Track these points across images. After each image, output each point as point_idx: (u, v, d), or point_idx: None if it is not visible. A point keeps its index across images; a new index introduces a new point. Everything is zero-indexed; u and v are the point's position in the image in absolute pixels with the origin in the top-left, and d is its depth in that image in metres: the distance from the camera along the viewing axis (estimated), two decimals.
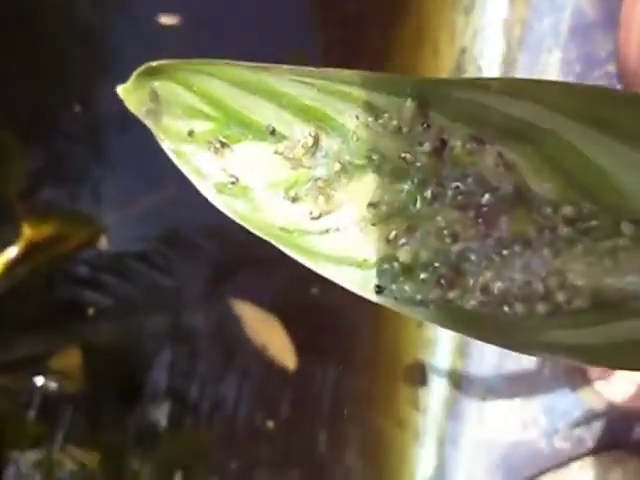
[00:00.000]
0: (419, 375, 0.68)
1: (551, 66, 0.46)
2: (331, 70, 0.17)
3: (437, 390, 0.66)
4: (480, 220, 0.18)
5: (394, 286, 0.19)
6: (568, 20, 0.43)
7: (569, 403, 0.54)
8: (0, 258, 0.63)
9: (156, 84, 0.20)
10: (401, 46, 0.64)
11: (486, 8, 0.48)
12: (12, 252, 0.63)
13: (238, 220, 0.21)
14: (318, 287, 0.67)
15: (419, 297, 0.19)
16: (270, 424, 0.68)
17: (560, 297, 0.18)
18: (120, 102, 0.21)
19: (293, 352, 0.68)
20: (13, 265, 0.63)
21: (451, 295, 0.19)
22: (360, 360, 0.72)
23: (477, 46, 0.50)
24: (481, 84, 0.16)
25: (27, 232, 0.63)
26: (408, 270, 0.19)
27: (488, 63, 0.49)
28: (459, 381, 0.62)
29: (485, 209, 0.18)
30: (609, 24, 0.42)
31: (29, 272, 0.63)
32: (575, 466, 0.56)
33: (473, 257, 0.19)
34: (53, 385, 0.68)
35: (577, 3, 0.43)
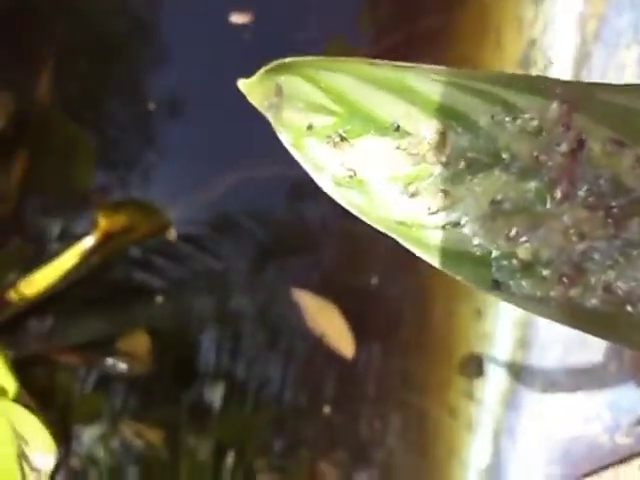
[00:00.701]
0: (475, 366, 0.68)
1: (629, 62, 0.45)
2: (474, 70, 0.17)
3: (494, 381, 0.65)
4: (610, 220, 0.18)
5: (512, 282, 0.20)
6: None
7: (634, 399, 0.53)
8: (76, 248, 0.65)
9: (282, 79, 0.21)
10: (460, 35, 0.63)
11: (558, 0, 0.47)
12: (88, 242, 0.65)
13: (355, 212, 0.21)
14: (377, 277, 0.68)
15: (539, 294, 0.19)
16: (327, 409, 0.69)
17: None
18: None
19: (351, 341, 0.69)
20: (89, 254, 0.65)
21: (572, 293, 0.19)
22: (415, 348, 0.73)
23: (547, 38, 0.49)
24: (630, 89, 0.16)
25: (102, 222, 0.65)
26: (527, 267, 0.20)
27: (559, 56, 0.48)
28: (519, 373, 0.61)
29: (616, 210, 0.18)
30: None
31: (103, 260, 0.65)
32: (636, 463, 0.56)
33: (597, 256, 0.19)
34: (122, 366, 0.71)
35: None
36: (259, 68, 0.21)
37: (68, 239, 0.67)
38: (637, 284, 0.19)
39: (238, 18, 0.59)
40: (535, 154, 0.18)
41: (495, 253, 0.20)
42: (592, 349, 0.53)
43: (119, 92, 0.71)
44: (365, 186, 0.21)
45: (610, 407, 0.54)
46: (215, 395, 0.75)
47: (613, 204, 0.18)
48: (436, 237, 0.21)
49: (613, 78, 0.42)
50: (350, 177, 0.21)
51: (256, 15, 0.60)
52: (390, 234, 0.21)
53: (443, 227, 0.20)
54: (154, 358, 0.74)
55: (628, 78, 0.43)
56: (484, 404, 0.66)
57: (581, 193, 0.18)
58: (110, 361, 0.70)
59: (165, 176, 0.71)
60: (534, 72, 0.47)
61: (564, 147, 0.17)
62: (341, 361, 0.71)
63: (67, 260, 0.66)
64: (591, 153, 0.17)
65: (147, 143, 0.72)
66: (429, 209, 0.20)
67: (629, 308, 0.19)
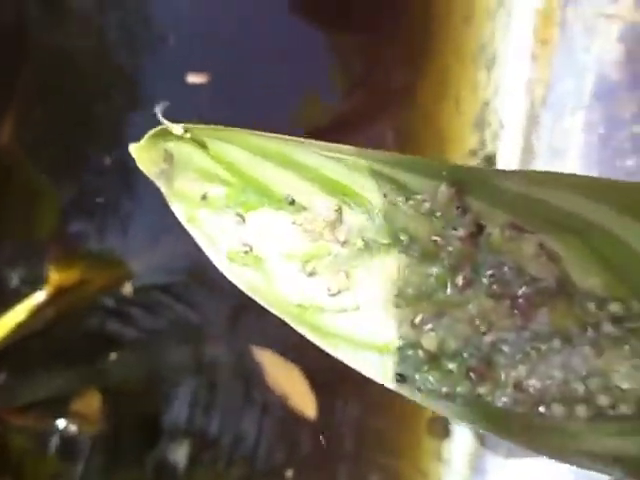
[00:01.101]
0: (442, 427, 0.65)
1: (575, 127, 0.45)
2: (363, 149, 0.16)
3: (461, 443, 0.63)
4: (516, 311, 0.16)
5: (417, 375, 0.18)
6: (591, 82, 0.42)
7: None
8: (28, 302, 0.63)
9: (171, 145, 0.19)
10: (423, 96, 0.63)
11: (508, 65, 0.47)
12: (40, 296, 0.63)
13: (249, 293, 0.19)
14: None
15: (445, 390, 0.17)
16: (289, 473, 0.66)
17: (603, 401, 0.16)
18: None
19: (313, 401, 0.66)
20: (40, 308, 0.63)
21: (481, 390, 0.17)
22: (382, 406, 0.70)
23: (499, 101, 0.49)
24: (522, 175, 0.14)
25: (54, 276, 0.63)
26: (434, 359, 0.18)
27: (510, 120, 0.48)
28: (483, 436, 0.59)
29: (522, 300, 0.16)
30: (634, 85, 0.40)
31: (55, 315, 0.63)
32: None
33: (507, 349, 0.17)
34: (73, 427, 0.67)
35: (600, 65, 0.42)
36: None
37: (23, 291, 0.65)
38: (550, 382, 0.17)
39: (195, 78, 0.59)
40: (433, 238, 0.16)
41: (399, 342, 0.18)
42: None
43: (86, 139, 0.70)
44: (262, 263, 0.19)
45: (575, 473, 0.51)
46: (181, 453, 0.71)
47: (519, 293, 0.16)
48: (335, 322, 0.19)
49: (560, 142, 0.41)
50: (245, 253, 0.19)
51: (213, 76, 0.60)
52: (284, 318, 0.19)
53: (344, 310, 0.19)
54: (114, 417, 0.71)
55: (573, 143, 0.42)
56: (452, 466, 0.63)
57: (485, 280, 0.16)
58: (61, 422, 0.67)
59: (141, 224, 0.69)
60: (488, 134, 0.47)
61: (461, 231, 0.16)
62: (304, 421, 0.68)
63: (17, 315, 0.63)
64: (491, 238, 0.16)
65: (122, 190, 0.70)
66: (329, 290, 0.19)
67: (542, 409, 0.17)
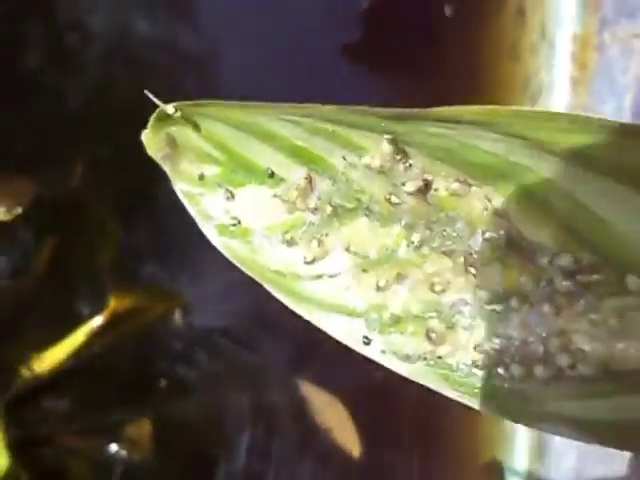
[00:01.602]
0: (496, 475, 0.62)
1: None
2: (311, 106, 0.17)
3: None
4: (470, 268, 0.17)
5: (382, 337, 0.18)
6: (630, 103, 0.41)
7: None
8: (85, 327, 0.66)
9: (173, 129, 0.21)
10: None
11: (552, 95, 0.48)
12: (97, 321, 0.67)
13: (235, 262, 0.20)
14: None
15: (407, 351, 0.18)
16: None
17: (562, 361, 0.16)
18: None
19: (357, 439, 0.65)
20: (97, 334, 0.67)
21: (442, 351, 0.17)
22: (435, 453, 0.68)
23: None
24: (452, 116, 0.15)
25: (112, 303, 0.67)
26: (398, 321, 0.18)
27: None
28: None
29: (475, 256, 0.16)
30: None
31: (112, 343, 0.66)
32: None
33: (466, 310, 0.17)
34: (123, 452, 0.70)
35: (638, 87, 0.41)
36: None
37: (83, 318, 0.69)
38: (509, 343, 0.17)
39: None
40: (387, 196, 0.17)
41: (366, 306, 0.18)
42: (611, 460, 0.47)
43: (149, 176, 0.75)
44: (249, 235, 0.21)
45: None
46: None
47: (471, 250, 0.16)
48: (311, 288, 0.19)
49: None
50: (234, 225, 0.21)
51: None
52: (264, 284, 0.20)
53: (319, 277, 0.19)
54: (169, 450, 0.72)
55: None
56: None
57: (438, 238, 0.17)
58: (113, 447, 0.69)
59: (196, 265, 0.72)
60: None
61: (410, 187, 0.16)
62: (349, 459, 0.66)
63: (76, 339, 0.67)
64: (439, 193, 0.16)
65: (187, 230, 0.74)
66: (305, 258, 0.20)
67: (501, 370, 0.17)
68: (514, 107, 0.14)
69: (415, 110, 0.15)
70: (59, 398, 0.73)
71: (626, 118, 0.42)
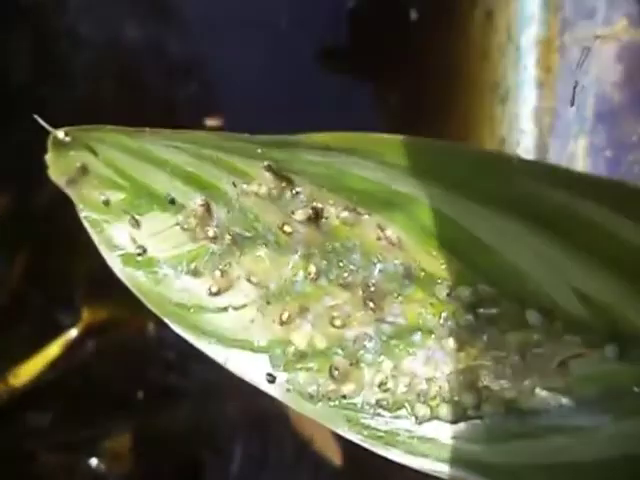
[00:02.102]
0: None
1: (580, 152, 0.43)
2: (191, 132, 0.16)
3: None
4: (369, 302, 0.15)
5: (287, 375, 0.17)
6: (592, 106, 0.40)
7: None
8: (60, 340, 0.66)
9: (72, 153, 0.20)
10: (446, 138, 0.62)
11: (518, 97, 0.46)
12: (72, 333, 0.66)
13: (138, 294, 0.19)
14: None
15: (310, 390, 0.16)
16: None
17: (467, 400, 0.15)
18: None
19: (337, 448, 0.64)
20: (73, 346, 0.66)
21: (345, 389, 0.16)
22: None
23: (513, 135, 0.48)
24: (322, 142, 0.14)
25: (86, 315, 0.66)
26: (303, 357, 0.17)
27: (525, 151, 0.47)
28: None
29: (373, 289, 0.15)
30: (637, 105, 0.38)
31: (92, 354, 0.65)
32: None
33: (370, 345, 0.16)
34: (102, 466, 0.69)
35: (600, 88, 0.40)
36: None
37: (59, 330, 0.68)
38: (414, 380, 0.15)
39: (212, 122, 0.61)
40: (279, 224, 0.16)
41: (270, 341, 0.17)
42: None
43: None
44: (154, 265, 0.19)
45: None
46: None
47: (369, 282, 0.15)
48: (216, 321, 0.18)
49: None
50: (139, 255, 0.20)
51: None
52: (164, 318, 0.19)
53: (224, 310, 0.18)
54: (151, 461, 0.71)
55: (581, 168, 0.40)
56: None
57: (336, 269, 0.15)
58: (93, 461, 0.68)
59: None
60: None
61: (300, 215, 0.15)
62: (330, 468, 0.65)
63: (51, 351, 0.66)
64: (330, 222, 0.15)
65: None
66: (209, 290, 0.18)
67: (405, 411, 0.15)
68: (375, 135, 0.13)
69: (288, 137, 0.14)
70: (40, 412, 0.72)
71: (589, 121, 0.41)
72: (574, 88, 0.41)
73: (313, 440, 0.65)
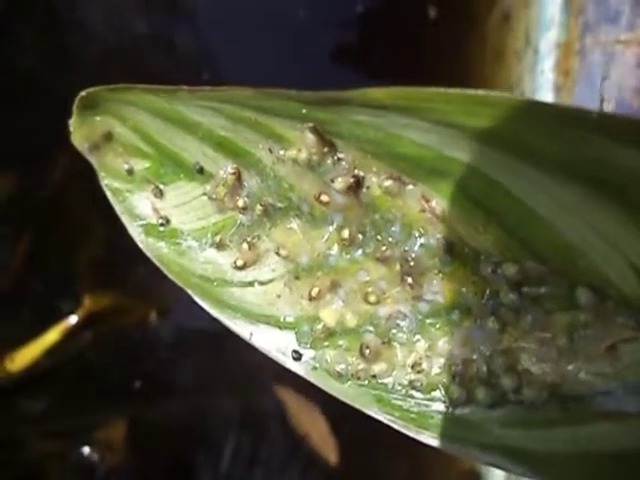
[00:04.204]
0: None
1: None
2: (228, 89, 0.15)
3: None
4: (408, 277, 0.15)
5: (314, 352, 0.16)
6: (612, 109, 0.39)
7: None
8: (60, 325, 0.65)
9: (98, 119, 0.19)
10: None
11: (535, 98, 0.46)
12: (72, 320, 0.65)
13: (159, 265, 0.19)
14: None
15: (339, 369, 0.16)
16: None
17: (506, 383, 0.14)
18: None
19: (334, 444, 0.63)
20: (72, 333, 0.65)
21: (376, 369, 0.15)
22: (416, 460, 0.66)
23: None
24: (377, 99, 0.13)
25: (87, 302, 0.65)
26: (332, 335, 0.16)
27: None
28: None
29: (412, 264, 0.14)
30: None
31: (91, 342, 0.64)
32: None
33: (404, 324, 0.15)
34: (95, 456, 0.68)
35: (621, 94, 0.39)
36: None
37: (58, 316, 0.67)
38: (450, 361, 0.15)
39: None
40: (316, 194, 0.15)
41: (297, 317, 0.17)
42: None
43: None
44: (178, 237, 0.19)
45: None
46: None
47: (409, 257, 0.14)
48: (241, 295, 0.18)
49: None
50: (162, 225, 0.19)
51: None
52: (187, 289, 0.18)
53: (250, 284, 0.18)
54: (145, 452, 0.70)
55: None
56: None
57: (373, 242, 0.15)
58: (86, 450, 0.67)
59: None
60: None
61: (340, 183, 0.14)
62: (325, 465, 0.65)
63: (49, 337, 0.65)
64: (371, 192, 0.14)
65: None
66: (235, 263, 0.18)
67: (439, 392, 0.15)
68: (440, 89, 0.12)
69: (339, 93, 0.13)
70: (34, 399, 0.71)
71: None
72: (601, 102, 0.40)
73: (309, 436, 0.65)
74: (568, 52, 0.44)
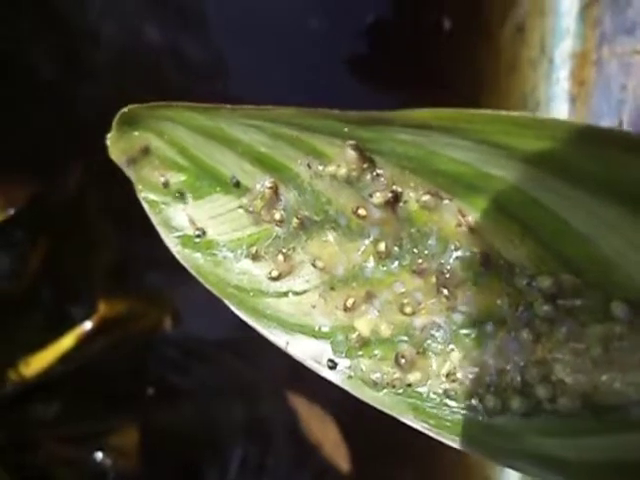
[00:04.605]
0: None
1: None
2: (271, 108, 0.16)
3: None
4: (443, 289, 0.15)
5: (349, 361, 0.17)
6: (628, 119, 0.40)
7: None
8: (74, 331, 0.65)
9: (136, 134, 0.20)
10: None
11: (549, 110, 0.46)
12: (86, 326, 0.66)
13: (197, 275, 0.19)
14: None
15: (374, 377, 0.16)
16: None
17: (541, 393, 0.14)
18: None
19: (346, 452, 0.64)
20: (87, 339, 0.65)
21: (411, 378, 0.16)
22: (428, 470, 0.66)
23: None
24: (420, 119, 0.14)
25: (102, 308, 0.66)
26: (366, 344, 0.17)
27: None
28: None
29: (448, 276, 0.15)
30: None
31: (105, 349, 0.65)
32: None
33: (438, 334, 0.16)
34: (108, 462, 0.68)
35: (637, 104, 0.40)
36: None
37: (73, 322, 0.68)
38: (484, 371, 0.15)
39: None
40: (354, 208, 0.16)
41: (332, 327, 0.17)
42: None
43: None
44: (213, 248, 0.19)
45: None
46: None
47: (445, 269, 0.15)
48: (275, 305, 0.18)
49: None
50: (198, 237, 0.20)
51: None
52: (224, 299, 0.18)
53: (285, 295, 0.18)
54: (156, 458, 0.71)
55: None
56: None
57: (408, 255, 0.15)
58: (99, 456, 0.68)
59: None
60: None
61: (378, 198, 0.15)
62: (336, 474, 0.65)
63: (64, 343, 0.66)
64: (409, 207, 0.15)
65: None
66: (270, 274, 0.18)
67: (474, 402, 0.15)
68: (486, 111, 0.13)
69: (382, 113, 0.14)
70: (47, 404, 0.72)
71: None
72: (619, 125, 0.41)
73: (321, 444, 0.65)
74: (584, 62, 0.44)
